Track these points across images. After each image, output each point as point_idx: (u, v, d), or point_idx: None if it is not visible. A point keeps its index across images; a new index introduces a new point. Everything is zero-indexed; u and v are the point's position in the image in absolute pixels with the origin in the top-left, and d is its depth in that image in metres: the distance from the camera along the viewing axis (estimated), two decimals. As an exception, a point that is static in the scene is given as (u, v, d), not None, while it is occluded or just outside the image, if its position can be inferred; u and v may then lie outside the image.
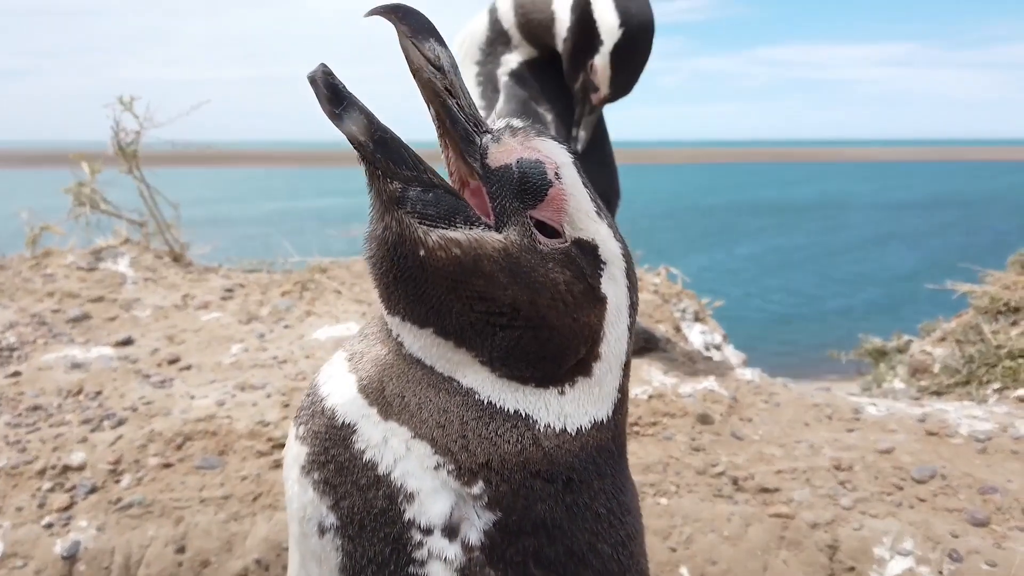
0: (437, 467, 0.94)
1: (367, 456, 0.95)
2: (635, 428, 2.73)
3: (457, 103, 0.92)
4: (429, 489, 0.94)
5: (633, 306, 1.05)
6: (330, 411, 1.00)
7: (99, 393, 2.74)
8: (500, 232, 0.93)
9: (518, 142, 0.96)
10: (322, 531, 0.99)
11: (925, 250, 23.47)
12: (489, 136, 0.95)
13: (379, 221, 0.93)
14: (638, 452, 2.60)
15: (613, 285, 1.00)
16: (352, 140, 0.88)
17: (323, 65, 0.85)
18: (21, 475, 2.36)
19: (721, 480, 2.51)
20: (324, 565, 1.00)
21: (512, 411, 0.97)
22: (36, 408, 2.64)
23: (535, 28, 2.88)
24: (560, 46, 2.82)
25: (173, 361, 3.00)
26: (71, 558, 2.12)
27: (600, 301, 0.98)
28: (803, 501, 2.40)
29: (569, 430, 0.99)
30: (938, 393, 3.61)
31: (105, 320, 3.36)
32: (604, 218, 1.00)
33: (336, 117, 0.86)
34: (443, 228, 0.90)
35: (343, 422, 0.98)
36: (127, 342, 3.13)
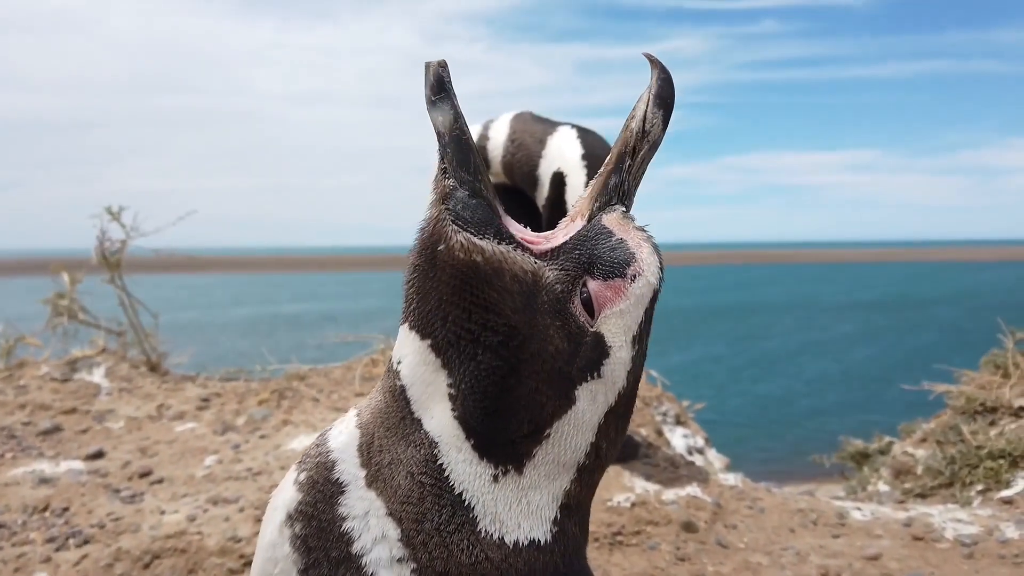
0: (401, 561, 0.93)
1: (346, 526, 0.95)
2: (619, 538, 2.67)
3: (630, 165, 0.98)
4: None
5: (596, 450, 0.99)
6: (331, 463, 0.99)
7: (66, 509, 2.65)
8: (543, 260, 0.94)
9: (638, 233, 0.97)
10: None
11: (895, 349, 23.72)
12: (624, 209, 0.98)
13: (427, 212, 0.96)
14: (622, 563, 2.54)
15: (590, 403, 0.96)
16: (435, 129, 0.93)
17: (443, 60, 0.92)
18: (-22, 599, 2.25)
19: (708, 591, 2.44)
20: None
21: (457, 492, 0.94)
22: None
23: (517, 178, 2.99)
24: (540, 207, 2.93)
25: (144, 474, 2.92)
26: None
27: (567, 399, 0.94)
28: (792, 612, 2.34)
29: (507, 542, 0.95)
30: (922, 495, 3.58)
31: (77, 432, 3.29)
32: (636, 350, 0.97)
33: (431, 103, 0.92)
34: (471, 233, 0.92)
35: (337, 479, 0.98)
36: (98, 455, 3.06)
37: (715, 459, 4.06)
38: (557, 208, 2.82)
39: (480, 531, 0.94)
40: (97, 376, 3.77)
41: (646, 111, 0.96)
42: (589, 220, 0.98)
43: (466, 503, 0.94)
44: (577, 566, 1.02)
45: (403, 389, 0.98)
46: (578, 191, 2.73)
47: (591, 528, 2.67)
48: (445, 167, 0.94)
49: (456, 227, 0.92)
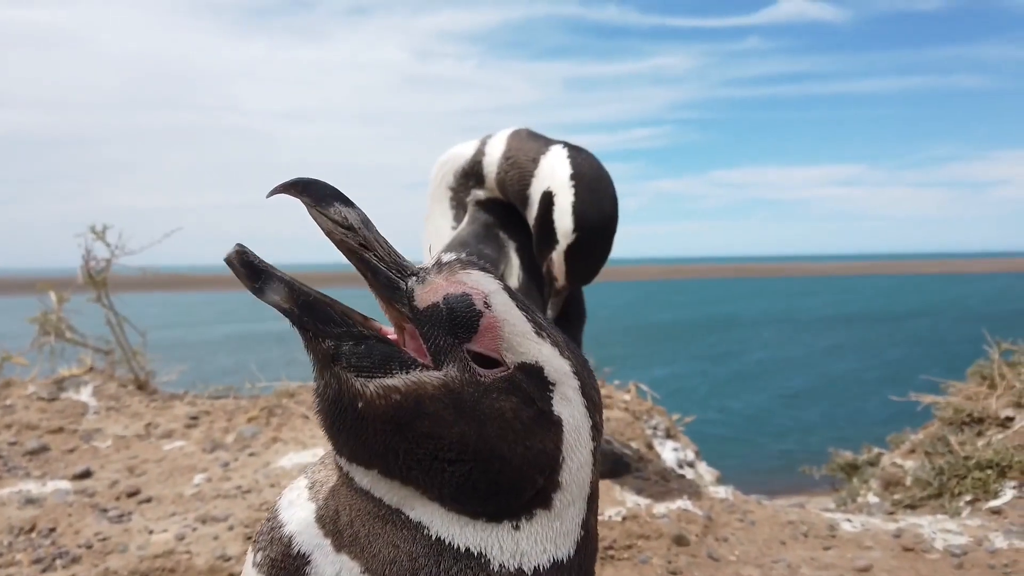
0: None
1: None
2: (610, 552, 2.66)
3: (375, 255, 0.95)
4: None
5: (596, 427, 1.01)
6: (287, 538, 0.97)
7: (53, 530, 2.62)
8: (440, 370, 0.92)
9: (443, 278, 0.96)
10: None
11: (881, 361, 23.84)
12: (415, 278, 0.96)
13: (319, 378, 0.95)
14: (614, 577, 2.54)
15: (567, 406, 0.97)
16: (278, 308, 0.92)
17: (238, 245, 0.90)
18: (-37, 623, 2.22)
19: (700, 605, 2.44)
20: None
21: (463, 549, 0.93)
22: (-16, 548, 2.52)
23: (510, 195, 2.99)
24: (531, 225, 2.93)
25: (132, 494, 2.89)
26: None
27: (554, 424, 0.95)
28: (784, 625, 2.34)
29: (526, 570, 0.94)
30: (912, 506, 3.59)
31: (64, 452, 3.26)
32: (547, 337, 0.98)
33: (258, 291, 0.91)
34: (380, 377, 0.91)
35: (298, 551, 0.95)
36: (85, 475, 3.03)
37: (705, 472, 4.06)
38: (545, 228, 2.82)
39: (494, 569, 0.93)
40: (84, 395, 3.74)
41: (327, 219, 0.92)
42: (413, 320, 0.96)
43: (476, 553, 0.93)
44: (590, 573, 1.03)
45: (364, 491, 0.97)
46: (566, 211, 2.74)
47: (583, 543, 2.67)
48: (312, 334, 0.94)
49: (363, 379, 0.92)
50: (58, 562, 2.45)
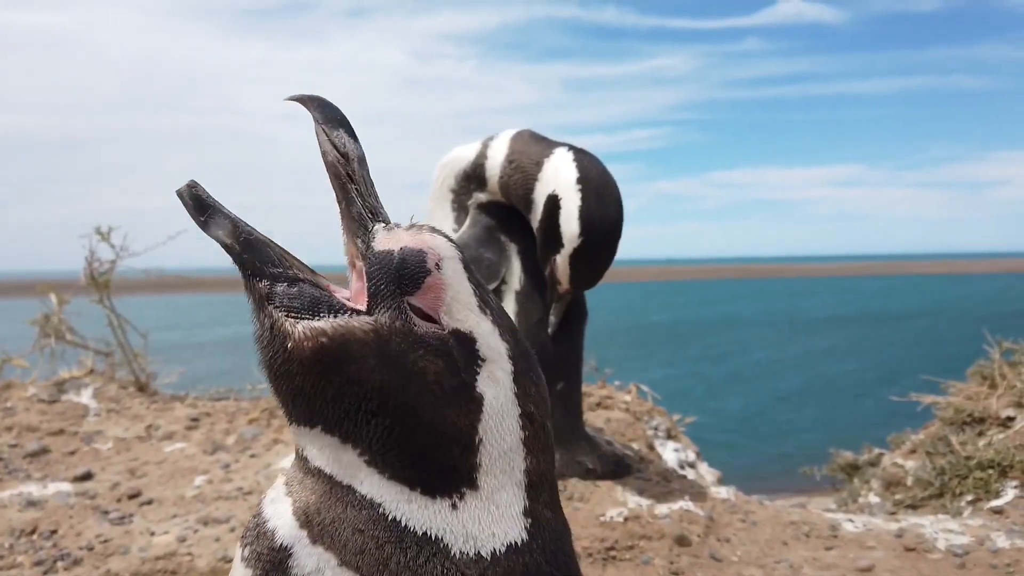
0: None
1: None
2: (612, 552, 2.66)
3: (357, 189, 0.98)
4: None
5: (528, 417, 1.00)
6: (270, 533, 0.99)
7: (54, 532, 2.62)
8: (371, 315, 0.94)
9: (408, 233, 0.99)
10: None
11: (881, 361, 23.84)
12: (383, 224, 0.99)
13: (256, 321, 0.98)
14: (616, 578, 2.54)
15: (493, 386, 0.97)
16: (220, 243, 0.95)
17: (191, 180, 0.94)
18: (-36, 625, 2.22)
19: (702, 606, 2.44)
20: None
21: (421, 533, 0.94)
22: (-14, 550, 2.51)
23: (513, 199, 2.98)
24: (534, 229, 2.91)
25: (133, 496, 2.89)
26: None
27: (474, 401, 0.95)
28: (787, 625, 2.34)
29: (484, 555, 0.94)
30: (913, 506, 3.59)
31: (64, 454, 3.26)
32: (489, 315, 0.99)
33: (203, 224, 0.94)
34: (308, 318, 0.93)
35: (281, 544, 0.97)
36: (86, 477, 3.03)
37: (706, 472, 4.06)
38: (550, 232, 2.81)
39: (454, 554, 0.94)
40: (85, 397, 3.74)
41: (328, 139, 0.98)
42: (365, 257, 0.98)
43: (433, 537, 0.94)
44: (562, 559, 1.02)
45: (319, 470, 0.99)
46: (572, 215, 2.73)
47: (584, 543, 2.67)
48: (250, 273, 0.96)
49: (292, 319, 0.94)
50: (60, 564, 2.45)
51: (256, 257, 0.96)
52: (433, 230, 1.00)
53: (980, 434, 3.81)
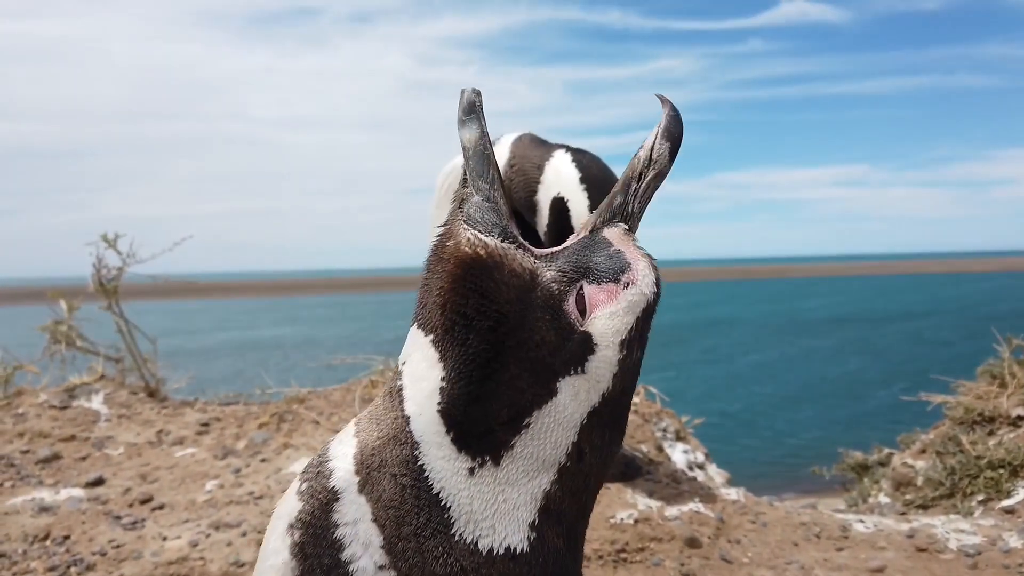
0: (383, 568, 0.95)
1: (338, 533, 0.97)
2: (623, 555, 2.66)
3: (635, 189, 1.04)
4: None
5: (579, 452, 1.00)
6: (329, 472, 1.02)
7: (67, 537, 2.63)
8: (542, 262, 1.01)
9: (634, 247, 1.03)
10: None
11: (888, 361, 23.75)
12: (626, 226, 1.05)
13: (450, 215, 1.05)
14: (627, 580, 2.54)
15: (572, 395, 0.98)
16: (462, 144, 1.04)
17: (477, 88, 1.04)
18: (-21, 631, 2.23)
19: (714, 607, 2.44)
20: None
21: (435, 491, 0.96)
22: (0, 556, 2.52)
23: (516, 203, 3.00)
24: (540, 232, 2.92)
25: (145, 501, 2.90)
26: None
27: (549, 389, 0.97)
28: (799, 626, 2.33)
29: (481, 548, 0.95)
30: (924, 506, 3.58)
31: (76, 460, 3.27)
32: (623, 354, 0.99)
33: (461, 122, 1.03)
34: (479, 231, 0.99)
35: (334, 486, 1.00)
36: (98, 482, 3.04)
37: (716, 474, 4.05)
38: (560, 235, 2.82)
39: (454, 535, 0.95)
40: (96, 403, 3.75)
41: (654, 142, 1.03)
42: (591, 232, 1.04)
43: (442, 503, 0.96)
44: None
45: (400, 388, 1.03)
46: (582, 214, 2.74)
47: (595, 545, 2.67)
48: (465, 178, 1.05)
49: (466, 226, 1.00)
50: (73, 569, 2.46)
51: (476, 169, 1.03)
52: (653, 264, 1.04)
53: (990, 433, 3.80)
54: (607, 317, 0.98)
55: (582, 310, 0.98)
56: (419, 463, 0.97)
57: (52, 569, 2.47)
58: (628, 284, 0.99)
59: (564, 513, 1.01)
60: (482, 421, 0.97)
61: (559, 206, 2.80)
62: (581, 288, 0.98)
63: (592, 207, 2.75)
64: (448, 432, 0.97)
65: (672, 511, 2.88)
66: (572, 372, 0.97)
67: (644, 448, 3.69)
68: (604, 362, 0.98)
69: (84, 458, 3.30)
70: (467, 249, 0.98)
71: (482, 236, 0.99)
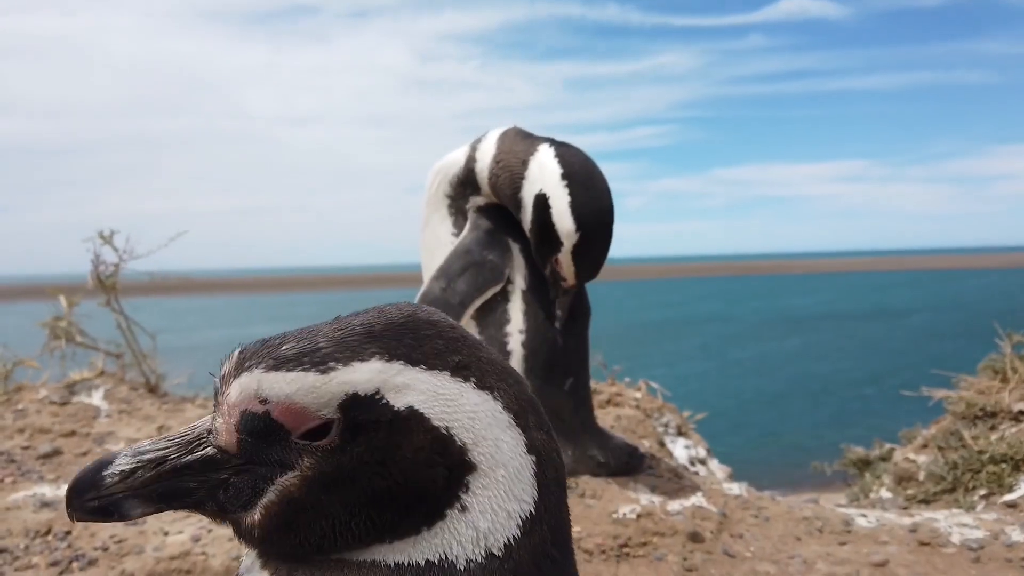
0: None
1: None
2: (625, 549, 2.66)
3: (172, 467, 0.88)
4: None
5: (457, 370, 0.90)
6: None
7: (68, 533, 2.63)
8: (293, 469, 0.85)
9: (221, 416, 0.88)
10: None
11: (888, 357, 23.79)
12: (209, 435, 0.89)
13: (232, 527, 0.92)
14: (630, 575, 2.53)
15: (409, 394, 0.87)
16: (144, 515, 0.89)
17: (72, 500, 0.86)
18: (-19, 626, 2.23)
19: (717, 602, 2.44)
20: None
21: (422, 562, 0.86)
22: (1, 551, 2.52)
23: (503, 199, 2.98)
24: (526, 229, 2.91)
25: (147, 496, 2.90)
26: None
27: (418, 430, 0.86)
28: (802, 621, 2.33)
29: (495, 551, 0.87)
30: (926, 501, 3.58)
31: (77, 455, 3.26)
32: (337, 359, 0.87)
33: (124, 517, 0.88)
34: (256, 503, 0.87)
35: None
36: (99, 477, 3.03)
37: (717, 469, 4.06)
38: (544, 232, 2.81)
39: (462, 569, 0.86)
40: (96, 398, 3.75)
41: (104, 497, 0.89)
42: (244, 463, 0.89)
43: (439, 561, 0.89)
44: (560, 538, 0.95)
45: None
46: (564, 213, 2.73)
47: (598, 540, 2.66)
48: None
49: (246, 512, 0.89)
50: (75, 564, 2.45)
51: (178, 498, 0.89)
52: (225, 387, 0.89)
53: (992, 428, 3.80)
54: (304, 400, 0.86)
55: (320, 425, 0.87)
56: (391, 563, 0.90)
57: (54, 564, 2.46)
58: (263, 400, 0.87)
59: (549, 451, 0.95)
60: (429, 498, 0.89)
61: (541, 203, 2.79)
62: (296, 440, 0.87)
63: (573, 204, 2.74)
64: (418, 534, 0.90)
65: (674, 506, 2.87)
66: (382, 399, 0.87)
67: (646, 443, 3.69)
68: (357, 373, 0.89)
69: (85, 454, 3.29)
70: (268, 518, 0.87)
71: (263, 500, 0.87)
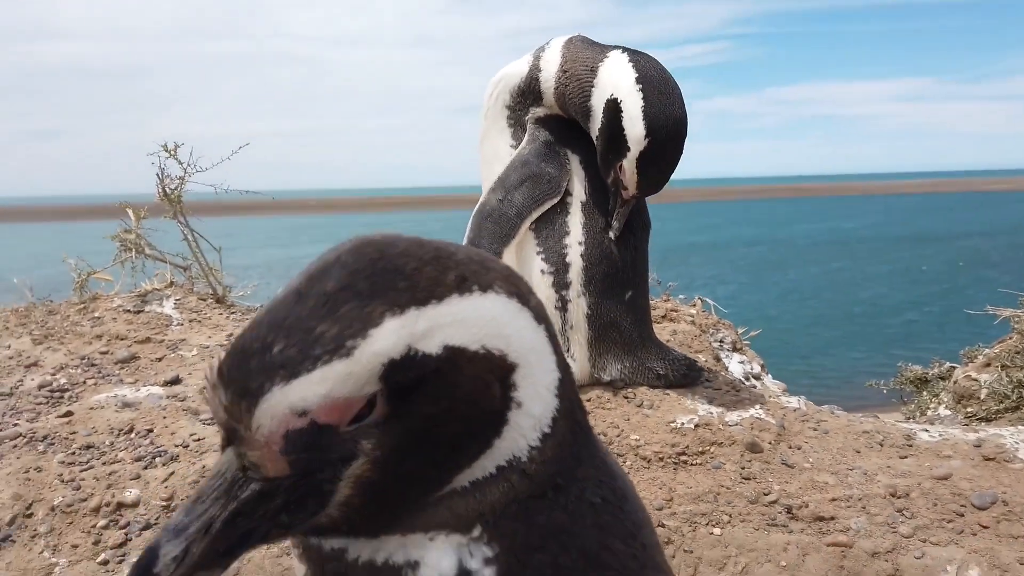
0: (433, 539, 0.89)
1: (362, 560, 0.90)
2: (683, 457, 2.70)
3: (210, 511, 0.79)
4: (431, 552, 0.88)
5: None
6: (316, 544, 0.93)
7: (150, 431, 2.77)
8: (358, 457, 0.80)
9: (255, 443, 0.78)
10: None
11: (951, 279, 23.19)
12: (251, 470, 0.80)
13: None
14: (687, 482, 2.58)
15: (453, 330, 0.85)
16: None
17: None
18: (76, 513, 2.38)
19: (774, 509, 2.47)
20: None
21: (494, 470, 0.88)
22: (89, 447, 2.68)
23: (570, 109, 2.92)
24: (593, 137, 2.85)
25: (221, 399, 3.02)
26: (127, 595, 2.13)
27: (461, 362, 0.84)
28: (860, 529, 2.36)
29: (546, 429, 0.90)
30: (986, 419, 3.54)
31: (152, 360, 3.41)
32: (395, 315, 0.81)
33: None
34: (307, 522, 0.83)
35: (332, 548, 0.92)
36: (175, 381, 3.17)
37: (771, 384, 4.05)
38: (613, 137, 2.76)
39: (523, 460, 0.92)
40: (167, 308, 3.88)
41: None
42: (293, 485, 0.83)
43: (509, 463, 0.92)
44: (580, 417, 0.98)
45: None
46: (635, 117, 2.67)
47: (655, 448, 2.71)
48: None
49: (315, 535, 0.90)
50: (158, 460, 2.60)
51: (242, 540, 0.83)
52: (240, 416, 0.79)
53: (1062, 347, 3.71)
54: (333, 390, 0.79)
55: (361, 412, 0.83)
56: (467, 484, 0.93)
57: (138, 459, 2.61)
58: (304, 412, 0.79)
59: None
60: (490, 418, 0.90)
61: (613, 108, 2.73)
62: (344, 431, 0.82)
63: (646, 109, 2.68)
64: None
65: (732, 417, 2.89)
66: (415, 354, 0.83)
67: (701, 358, 3.69)
68: (377, 337, 0.82)
69: (160, 359, 3.43)
70: (343, 512, 0.85)
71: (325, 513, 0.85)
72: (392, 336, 0.79)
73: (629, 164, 2.76)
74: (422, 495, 0.87)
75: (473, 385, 0.84)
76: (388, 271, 0.83)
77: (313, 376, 0.76)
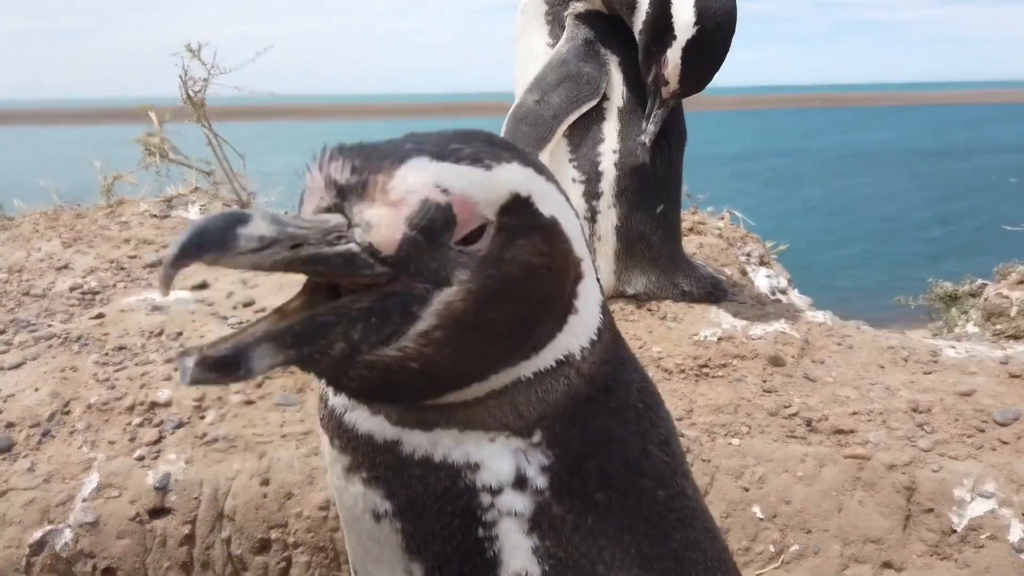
0: (493, 440, 0.92)
1: (419, 455, 0.91)
2: (705, 370, 2.71)
3: (309, 243, 0.77)
4: (491, 454, 0.91)
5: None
6: (367, 434, 0.94)
7: (180, 334, 2.83)
8: (451, 284, 0.81)
9: (384, 203, 0.78)
10: (377, 517, 0.94)
11: (990, 194, 22.60)
12: (356, 229, 0.78)
13: (342, 384, 0.86)
14: (708, 393, 2.59)
15: (557, 207, 0.92)
16: (277, 367, 0.79)
17: (195, 357, 0.75)
18: (112, 411, 2.46)
19: (794, 421, 2.49)
20: (385, 547, 0.95)
21: (554, 363, 0.93)
22: (122, 348, 2.74)
23: (615, 2, 2.80)
24: (636, 32, 2.74)
25: (248, 304, 3.06)
26: (163, 489, 2.22)
27: (560, 238, 0.91)
28: (879, 443, 2.37)
29: (594, 335, 0.97)
30: (1015, 337, 3.50)
31: (180, 265, 3.44)
32: (499, 159, 0.86)
33: (250, 373, 0.77)
34: (407, 330, 0.81)
35: (384, 440, 0.93)
36: (203, 286, 3.21)
37: (797, 299, 4.02)
38: (660, 25, 2.65)
39: (578, 359, 0.98)
40: (193, 213, 3.90)
41: (242, 256, 0.77)
42: (395, 272, 0.82)
43: (565, 358, 0.99)
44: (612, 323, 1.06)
45: None
46: (686, 4, 2.57)
47: (678, 360, 2.72)
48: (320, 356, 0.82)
49: (392, 347, 0.83)
50: (188, 362, 2.66)
51: (319, 338, 0.82)
52: (381, 168, 0.81)
53: (1099, 265, 3.61)
54: (477, 196, 0.83)
55: (476, 229, 0.85)
56: (529, 375, 0.99)
57: (170, 361, 2.67)
58: (442, 189, 0.80)
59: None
60: (561, 302, 0.99)
61: None
62: (454, 244, 0.83)
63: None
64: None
65: (756, 330, 2.88)
66: (538, 213, 0.92)
67: (727, 271, 3.66)
68: (518, 176, 0.91)
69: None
70: (426, 350, 0.84)
71: (418, 328, 0.83)
72: (520, 174, 0.86)
73: (674, 55, 2.66)
74: (492, 361, 0.88)
75: (560, 264, 0.90)
76: (504, 143, 0.91)
77: (459, 167, 0.81)
